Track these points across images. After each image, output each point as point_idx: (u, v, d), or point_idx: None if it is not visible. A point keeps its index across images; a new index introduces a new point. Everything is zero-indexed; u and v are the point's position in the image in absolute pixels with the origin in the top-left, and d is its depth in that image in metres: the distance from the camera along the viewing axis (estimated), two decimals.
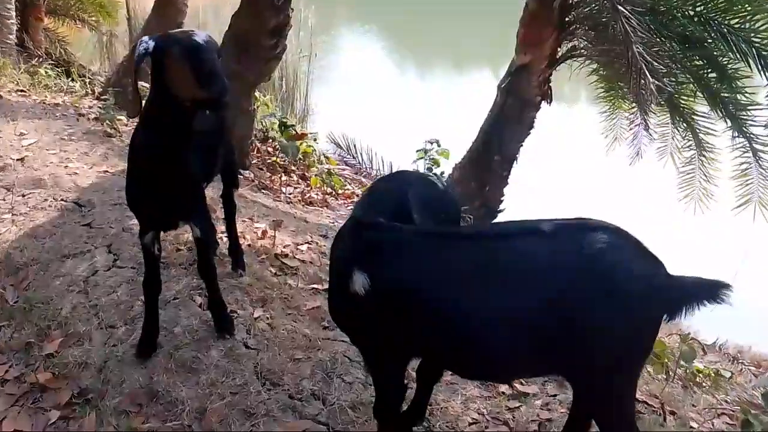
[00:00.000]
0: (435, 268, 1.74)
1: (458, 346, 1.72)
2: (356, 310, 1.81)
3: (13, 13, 7.87)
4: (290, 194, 5.25)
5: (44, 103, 5.86)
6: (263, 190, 5.00)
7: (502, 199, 6.24)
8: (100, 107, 5.89)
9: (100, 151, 4.39)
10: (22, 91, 6.41)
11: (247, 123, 5.08)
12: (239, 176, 5.05)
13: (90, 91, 6.90)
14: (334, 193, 5.79)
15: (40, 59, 8.45)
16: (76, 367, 2.57)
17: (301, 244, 3.60)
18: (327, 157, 6.32)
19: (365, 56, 14.66)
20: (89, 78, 7.79)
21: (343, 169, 6.63)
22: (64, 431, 2.33)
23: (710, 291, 1.67)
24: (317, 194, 5.49)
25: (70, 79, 7.58)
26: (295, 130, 5.56)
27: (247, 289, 3.01)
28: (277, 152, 5.82)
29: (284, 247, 3.51)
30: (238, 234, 3.46)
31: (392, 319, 1.75)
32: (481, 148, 6.14)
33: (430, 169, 6.52)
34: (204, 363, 2.51)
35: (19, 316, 2.84)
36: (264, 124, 5.98)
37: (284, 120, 5.55)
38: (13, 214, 3.44)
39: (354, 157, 7.27)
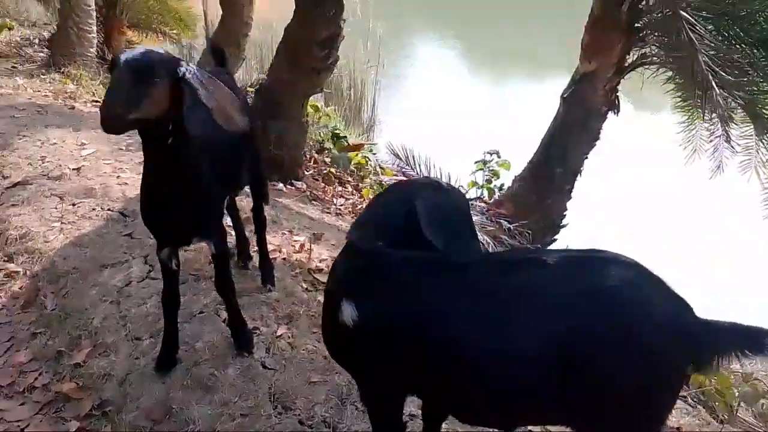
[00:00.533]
0: (430, 300, 1.60)
1: (453, 386, 1.58)
2: (346, 342, 1.70)
3: (94, 28, 8.29)
4: (341, 206, 5.21)
5: None
6: (313, 201, 4.98)
7: (564, 213, 5.96)
8: None
9: None
10: (96, 101, 6.72)
11: (299, 133, 5.08)
12: (292, 186, 5.11)
13: None
14: None
15: None
16: (100, 378, 2.60)
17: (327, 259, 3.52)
18: (382, 168, 6.23)
19: (436, 65, 14.55)
20: None
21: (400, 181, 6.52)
22: None
23: (752, 340, 1.46)
24: None
25: None
26: (346, 142, 5.52)
27: (274, 305, 2.95)
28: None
29: (320, 262, 3.44)
30: (276, 247, 3.44)
31: (382, 353, 1.63)
32: (543, 160, 5.90)
33: (489, 181, 6.34)
34: (220, 381, 2.47)
35: (55, 324, 2.92)
36: (320, 134, 5.97)
37: (337, 131, 5.52)
38: (62, 223, 3.57)
39: (413, 168, 7.13)
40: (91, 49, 8.34)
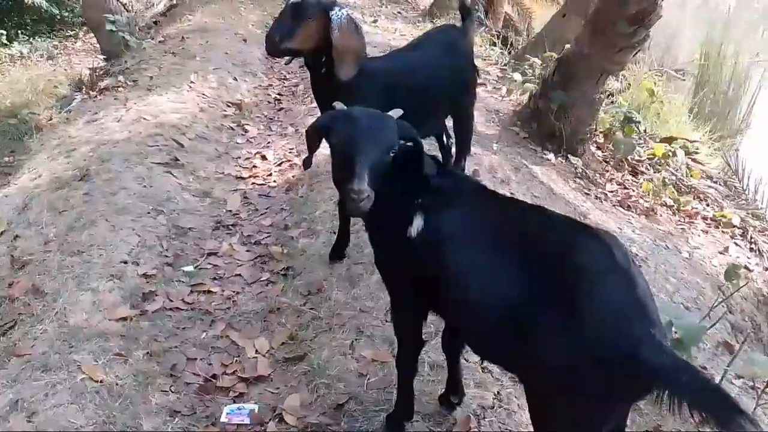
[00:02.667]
0: (463, 221, 1.82)
1: (452, 293, 1.81)
2: (401, 252, 1.95)
3: None
4: (610, 191, 5.07)
5: None
6: (578, 179, 4.99)
7: None
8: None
9: None
10: None
11: (588, 109, 5.06)
12: (565, 160, 5.18)
13: (497, 61, 7.73)
14: (675, 207, 5.28)
15: (488, 29, 9.73)
16: (298, 251, 3.43)
17: None
18: (690, 169, 5.71)
19: None
20: (513, 50, 8.65)
21: (710, 187, 5.87)
22: (261, 288, 3.22)
23: (718, 406, 1.33)
24: (647, 201, 5.13)
25: (495, 47, 8.58)
26: (638, 128, 5.23)
27: None
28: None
29: None
30: None
31: (424, 263, 1.87)
32: None
33: None
34: (363, 281, 3.02)
35: (295, 206, 3.87)
36: (619, 115, 5.74)
37: (630, 115, 5.27)
38: None
39: (740, 180, 6.29)
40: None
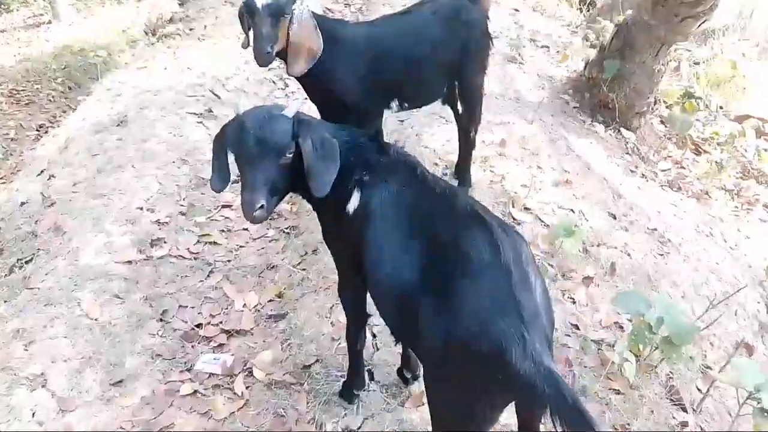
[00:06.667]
0: (385, 201, 1.83)
1: (368, 270, 1.83)
2: (341, 226, 1.97)
3: None
4: (662, 170, 4.81)
5: None
6: (626, 155, 4.75)
7: None
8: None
9: None
10: None
11: (647, 81, 4.78)
12: (617, 133, 4.95)
13: (570, 23, 7.36)
14: (735, 191, 4.95)
15: None
16: (305, 211, 3.50)
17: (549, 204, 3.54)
18: (759, 153, 5.29)
19: None
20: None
21: None
22: (264, 244, 3.34)
23: (568, 415, 1.34)
24: (702, 183, 4.83)
25: (572, 6, 8.16)
26: (700, 104, 4.87)
27: None
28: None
29: (540, 202, 3.54)
30: (502, 175, 3.68)
31: (356, 236, 1.87)
32: None
33: None
34: None
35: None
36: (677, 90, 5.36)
37: (690, 90, 4.92)
38: None
39: None
40: None
